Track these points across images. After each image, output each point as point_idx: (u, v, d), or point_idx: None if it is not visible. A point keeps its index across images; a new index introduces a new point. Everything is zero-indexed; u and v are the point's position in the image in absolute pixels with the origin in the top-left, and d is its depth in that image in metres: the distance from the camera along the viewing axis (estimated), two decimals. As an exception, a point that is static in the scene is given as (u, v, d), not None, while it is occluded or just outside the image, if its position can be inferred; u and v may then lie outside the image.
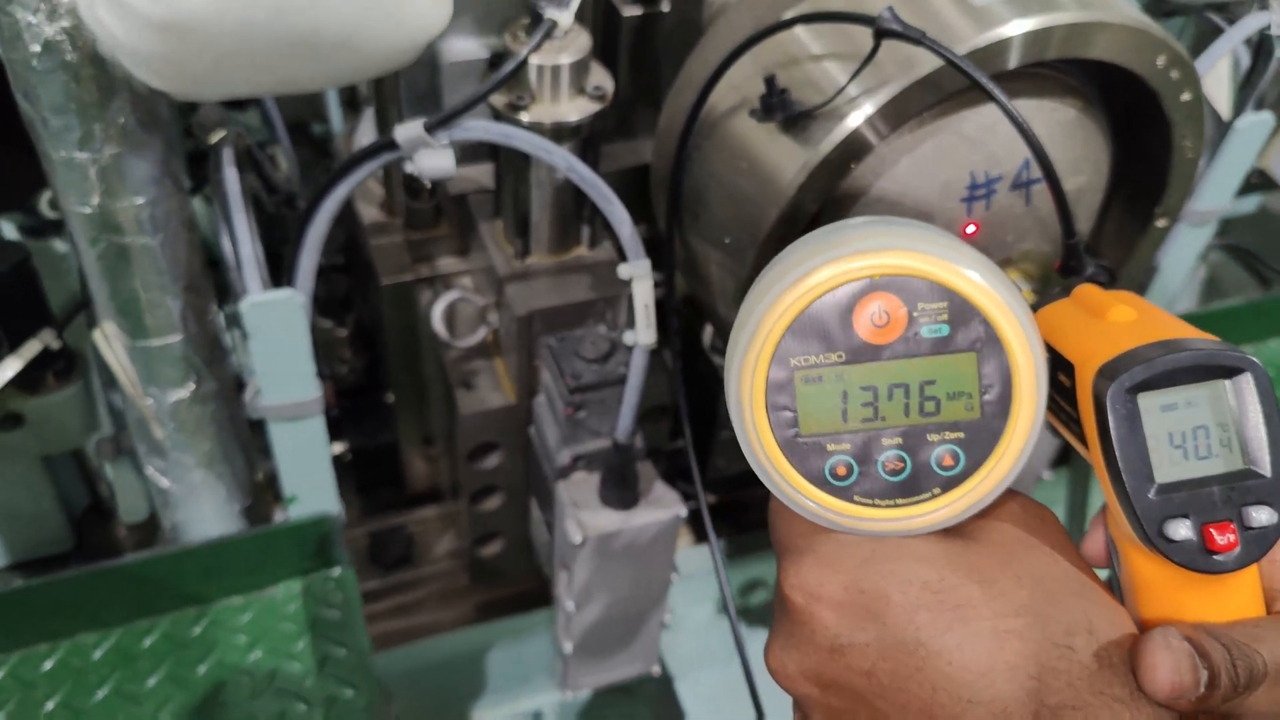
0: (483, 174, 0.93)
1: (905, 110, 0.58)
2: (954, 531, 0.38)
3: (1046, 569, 0.37)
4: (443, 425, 0.99)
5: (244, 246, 0.71)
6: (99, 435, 0.99)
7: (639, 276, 0.67)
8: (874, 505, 0.38)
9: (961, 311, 0.37)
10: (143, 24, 0.60)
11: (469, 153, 0.95)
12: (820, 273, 0.37)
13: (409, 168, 0.64)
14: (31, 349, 0.86)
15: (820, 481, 0.38)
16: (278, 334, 0.71)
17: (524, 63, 0.74)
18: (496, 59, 0.80)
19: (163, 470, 0.83)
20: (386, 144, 0.64)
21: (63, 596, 0.82)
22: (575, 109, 0.77)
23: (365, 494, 1.12)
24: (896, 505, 0.38)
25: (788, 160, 0.59)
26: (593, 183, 0.64)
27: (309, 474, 0.82)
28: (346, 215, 1.02)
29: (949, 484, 0.38)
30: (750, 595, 1.21)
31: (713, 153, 0.64)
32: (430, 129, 0.62)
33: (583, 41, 0.76)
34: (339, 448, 1.09)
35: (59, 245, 1.10)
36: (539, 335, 0.84)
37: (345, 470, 1.09)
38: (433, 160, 0.63)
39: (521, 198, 0.82)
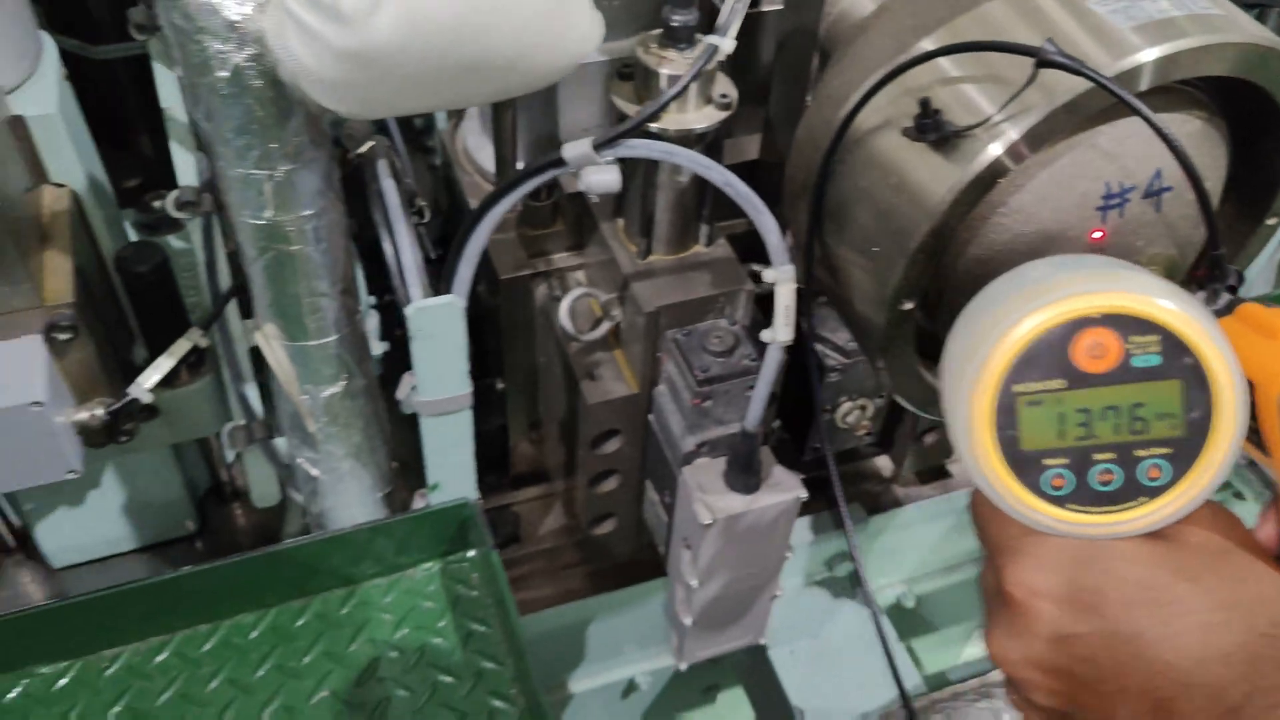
0: (597, 172, 0.97)
1: (1049, 131, 0.62)
2: (1156, 535, 0.43)
3: (1244, 568, 0.42)
4: (557, 411, 1.04)
5: (405, 254, 0.75)
6: (231, 424, 1.04)
7: (782, 280, 0.72)
8: (1086, 512, 0.43)
9: (1172, 344, 0.41)
10: (332, 53, 0.64)
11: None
12: (1043, 313, 0.41)
13: (579, 185, 0.68)
14: (182, 347, 0.91)
15: (1038, 491, 0.43)
16: (438, 336, 0.76)
17: (655, 74, 0.78)
18: (625, 67, 0.84)
19: (313, 461, 0.88)
20: (554, 161, 0.68)
21: (223, 579, 0.88)
22: (702, 117, 0.80)
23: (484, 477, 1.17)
24: (1106, 512, 0.43)
25: (939, 178, 0.63)
26: (746, 196, 0.69)
27: (453, 463, 0.87)
28: (456, 212, 1.07)
29: (1155, 493, 0.42)
30: (837, 567, 1.26)
31: (859, 167, 0.68)
32: (598, 147, 0.67)
33: (712, 52, 0.80)
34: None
35: (174, 242, 1.15)
36: (664, 329, 0.88)
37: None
38: (599, 176, 0.67)
39: (648, 200, 0.86)
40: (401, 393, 0.81)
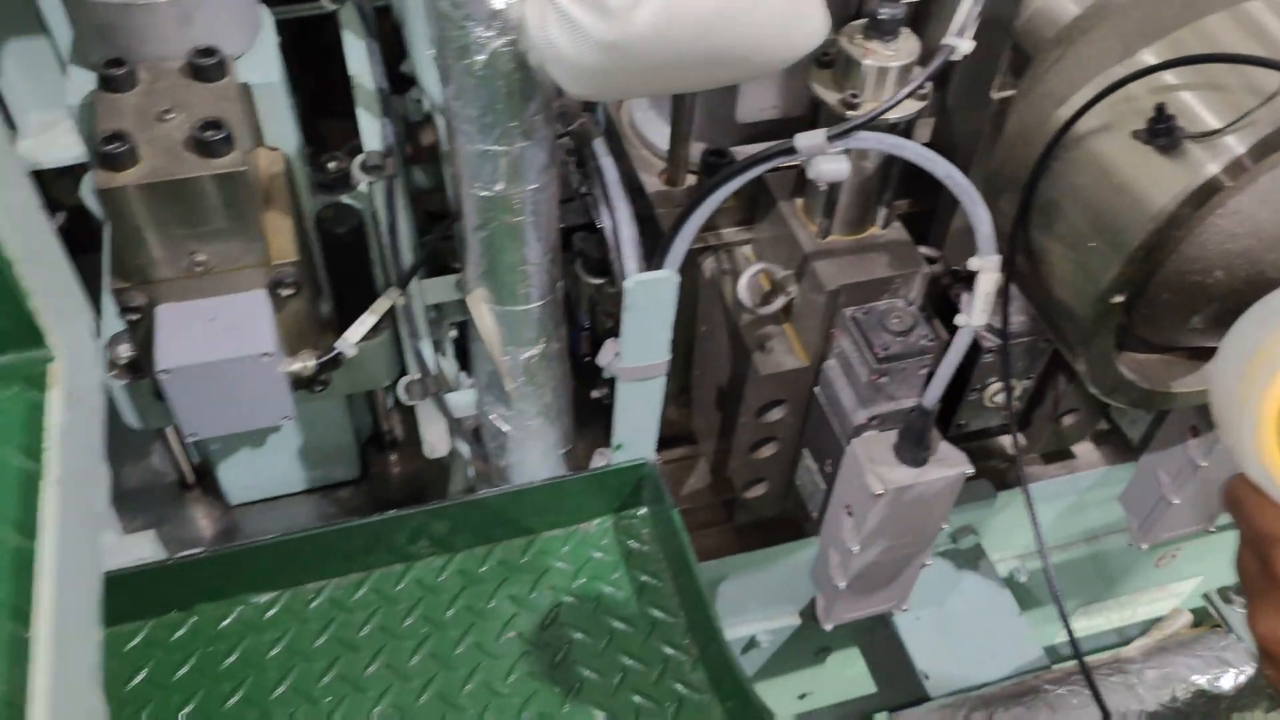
0: (771, 152, 1.01)
1: (1277, 142, 0.65)
2: None
3: None
4: (715, 379, 1.09)
5: (624, 229, 0.80)
6: (407, 378, 1.10)
7: (988, 269, 0.75)
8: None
9: None
10: (591, 43, 0.68)
11: (764, 132, 1.03)
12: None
13: (808, 172, 0.72)
14: (383, 305, 0.97)
15: (1318, 486, 0.47)
16: (651, 308, 0.81)
17: (858, 64, 0.82)
18: (824, 55, 0.87)
19: (505, 418, 0.94)
20: (786, 148, 0.72)
21: (418, 524, 0.94)
22: (900, 108, 0.84)
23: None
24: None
25: (1166, 181, 0.66)
26: (965, 188, 0.72)
27: (639, 426, 0.92)
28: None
29: None
30: (961, 539, 1.31)
31: (1075, 165, 0.71)
32: (832, 138, 0.71)
33: (913, 45, 0.84)
34: (598, 393, 1.20)
35: (346, 201, 1.21)
36: (841, 307, 0.93)
37: (604, 412, 1.20)
38: (830, 165, 0.71)
39: (835, 183, 0.90)
40: (604, 359, 0.87)
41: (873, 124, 0.76)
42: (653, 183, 1.06)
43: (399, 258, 1.06)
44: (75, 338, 0.65)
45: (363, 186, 1.20)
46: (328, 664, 0.90)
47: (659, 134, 1.09)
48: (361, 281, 1.05)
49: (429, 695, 0.89)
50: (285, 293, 0.90)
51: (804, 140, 0.72)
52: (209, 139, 0.81)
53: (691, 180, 1.06)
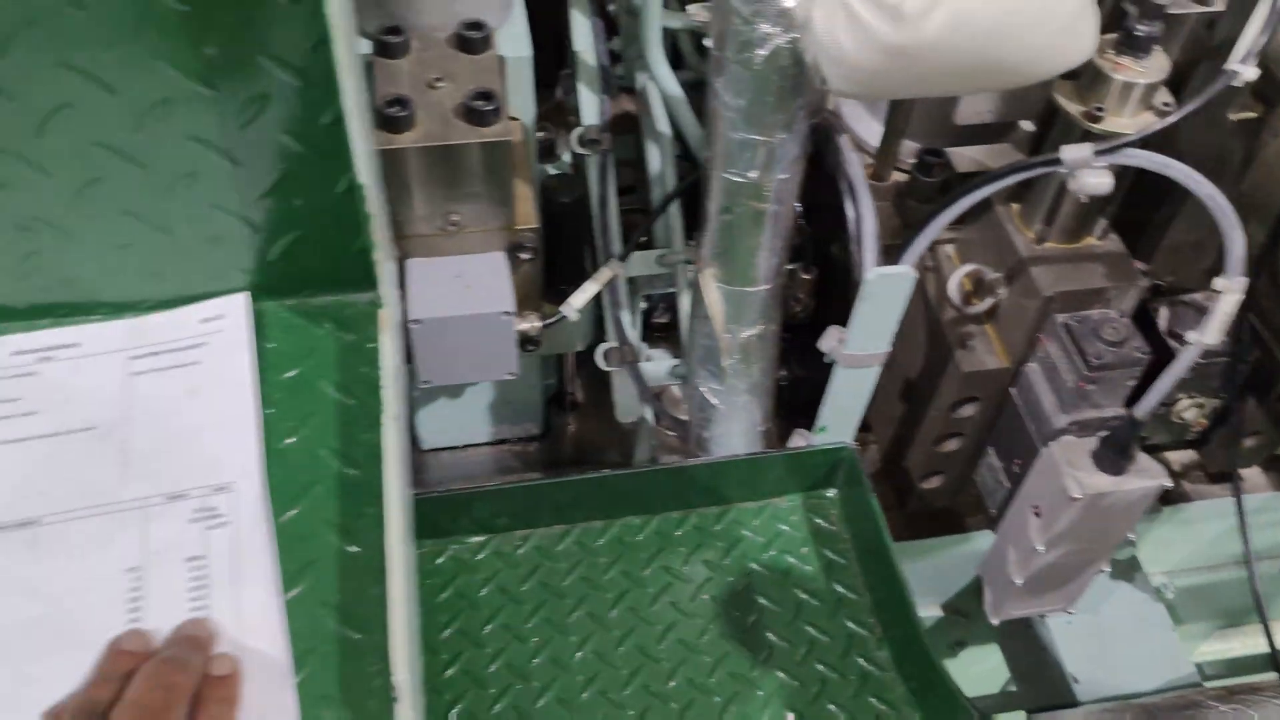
0: (988, 155, 1.03)
1: None
2: None
3: None
4: (904, 371, 1.12)
5: (866, 223, 0.83)
6: (606, 345, 1.15)
7: (1232, 290, 0.77)
8: None
9: None
10: (878, 46, 0.72)
11: (976, 134, 1.05)
12: None
13: (1070, 185, 0.75)
14: (604, 275, 1.02)
15: None
16: (886, 301, 0.84)
17: (1109, 79, 0.84)
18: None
19: (716, 392, 0.99)
20: (1051, 159, 0.74)
21: (624, 485, 0.99)
22: (1137, 123, 0.86)
23: (793, 418, 1.26)
24: None
25: None
26: (1226, 211, 0.74)
27: (846, 411, 0.96)
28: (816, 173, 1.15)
29: None
30: (1119, 550, 1.32)
31: (1339, 195, 0.73)
32: (1099, 153, 0.73)
33: (1163, 63, 0.85)
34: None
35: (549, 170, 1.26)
36: (1052, 314, 0.95)
37: (780, 393, 1.24)
38: (1094, 179, 0.74)
39: (1059, 191, 0.92)
40: (827, 344, 0.90)
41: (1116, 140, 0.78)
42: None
43: (608, 230, 1.11)
44: (390, 286, 0.72)
45: (565, 157, 1.25)
46: (534, 607, 0.96)
47: (867, 129, 1.13)
48: (574, 250, 1.11)
49: (627, 646, 0.94)
50: (524, 256, 0.96)
51: (1070, 153, 0.74)
52: (480, 108, 0.86)
53: (899, 177, 1.09)
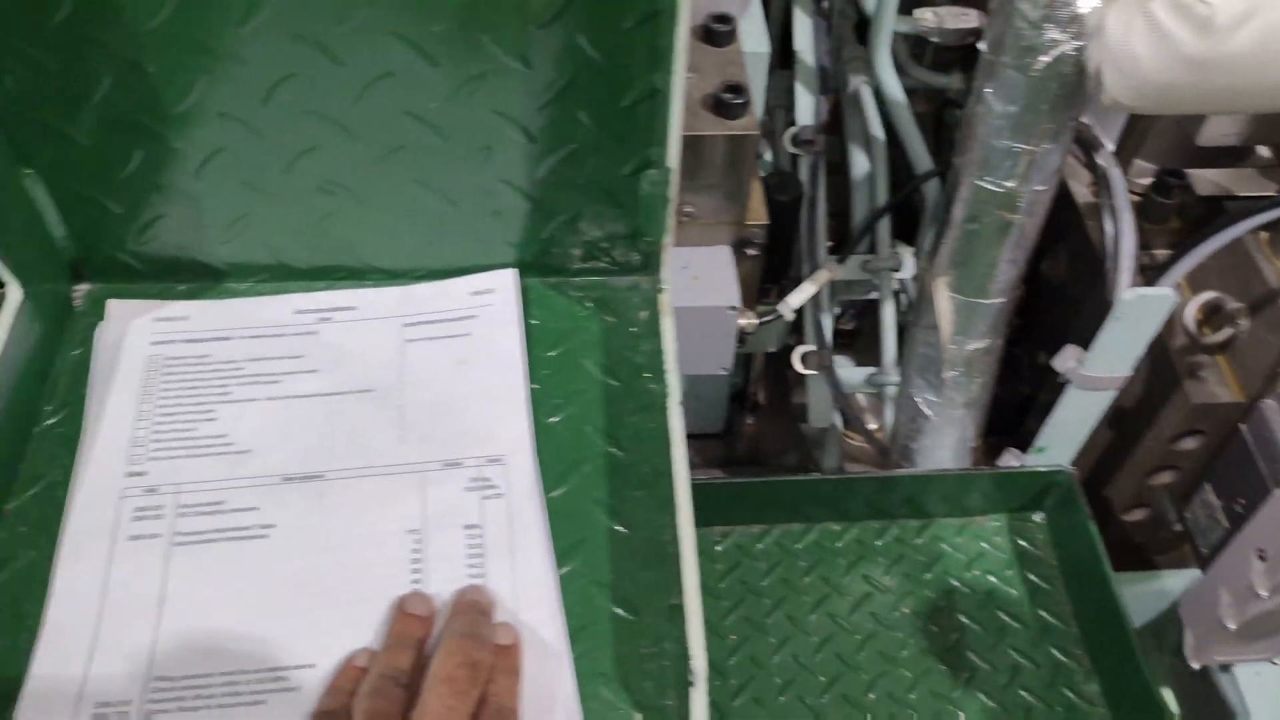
0: (1230, 179, 0.99)
1: None
2: None
3: None
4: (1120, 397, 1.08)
5: (1126, 240, 0.81)
6: (803, 348, 1.14)
7: None
8: None
9: None
10: (1178, 57, 0.69)
11: (1215, 156, 1.01)
12: None
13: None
14: (822, 277, 1.01)
15: None
16: (1140, 323, 0.81)
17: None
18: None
19: (930, 404, 0.97)
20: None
21: (827, 491, 0.98)
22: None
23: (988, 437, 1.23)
24: None
25: None
26: None
27: (1069, 433, 0.93)
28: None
29: None
30: (1317, 601, 1.26)
31: None
32: None
33: None
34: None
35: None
36: (1303, 350, 0.91)
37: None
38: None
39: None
40: (1062, 364, 0.88)
41: None
42: (1081, 192, 1.06)
43: (814, 231, 1.10)
44: (670, 270, 0.72)
45: (766, 156, 1.25)
46: (733, 603, 0.95)
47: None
48: (786, 250, 1.10)
49: (825, 652, 0.93)
50: (751, 252, 0.96)
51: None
52: (730, 101, 0.86)
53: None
